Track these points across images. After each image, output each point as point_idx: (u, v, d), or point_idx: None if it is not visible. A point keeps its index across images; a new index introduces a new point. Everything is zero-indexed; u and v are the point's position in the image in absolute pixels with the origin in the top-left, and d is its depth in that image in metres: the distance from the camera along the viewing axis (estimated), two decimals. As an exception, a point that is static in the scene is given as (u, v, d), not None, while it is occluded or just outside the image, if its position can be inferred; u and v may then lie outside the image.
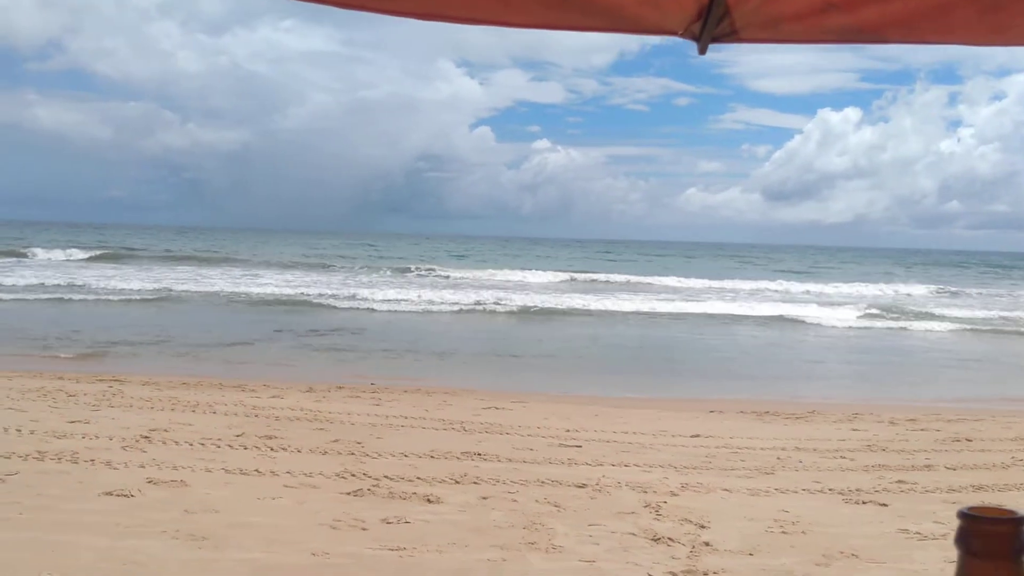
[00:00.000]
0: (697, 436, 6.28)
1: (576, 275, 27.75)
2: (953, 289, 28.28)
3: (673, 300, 19.38)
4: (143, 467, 4.70)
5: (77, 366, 8.61)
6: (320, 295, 17.03)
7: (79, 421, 5.71)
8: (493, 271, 26.75)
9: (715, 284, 26.36)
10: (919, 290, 27.27)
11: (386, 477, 4.79)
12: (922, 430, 6.75)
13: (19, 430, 5.39)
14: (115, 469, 4.66)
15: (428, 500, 4.42)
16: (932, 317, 17.38)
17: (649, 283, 25.70)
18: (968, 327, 16.90)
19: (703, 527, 4.16)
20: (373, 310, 15.67)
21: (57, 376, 7.60)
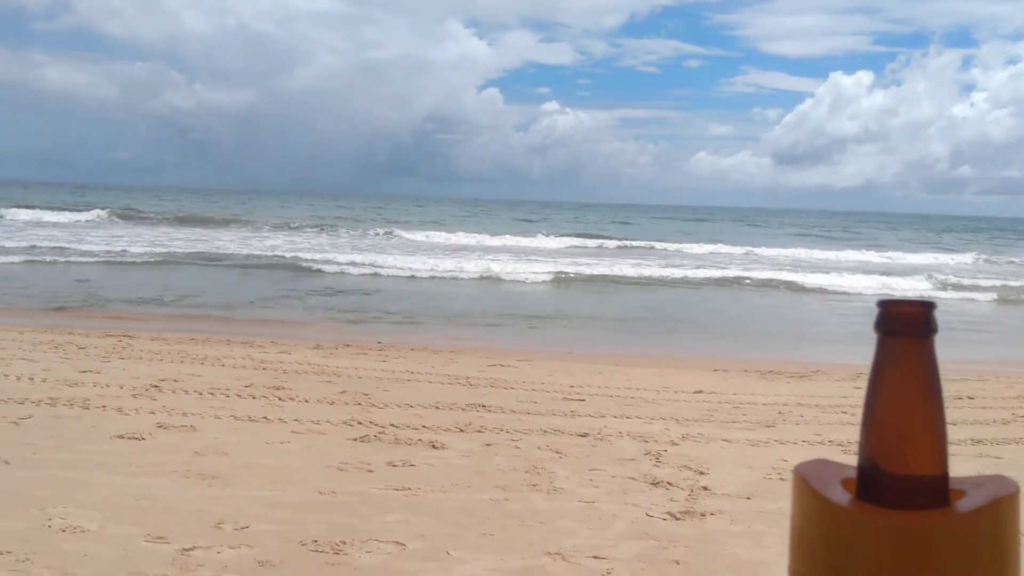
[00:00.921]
0: (700, 392, 6.35)
1: (588, 241, 27.65)
2: (989, 257, 27.87)
3: (726, 267, 19.24)
4: (153, 413, 4.79)
5: (85, 322, 8.70)
6: (326, 259, 17.10)
7: (90, 371, 5.80)
8: (503, 236, 26.67)
9: (760, 251, 25.75)
10: (966, 258, 26.74)
11: (392, 425, 4.87)
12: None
13: (31, 378, 5.48)
14: (126, 415, 4.74)
15: (433, 446, 4.51)
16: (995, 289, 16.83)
17: (690, 250, 25.36)
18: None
19: (702, 473, 4.24)
20: (379, 275, 15.73)
21: (67, 331, 7.69)
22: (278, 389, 5.61)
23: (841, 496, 0.55)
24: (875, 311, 0.57)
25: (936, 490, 0.55)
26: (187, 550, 3.04)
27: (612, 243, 27.36)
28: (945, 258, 26.85)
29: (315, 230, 26.95)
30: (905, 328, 0.55)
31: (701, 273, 18.03)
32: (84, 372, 5.76)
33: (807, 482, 0.56)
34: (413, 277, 15.77)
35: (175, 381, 5.64)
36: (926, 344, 0.56)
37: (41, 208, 28.38)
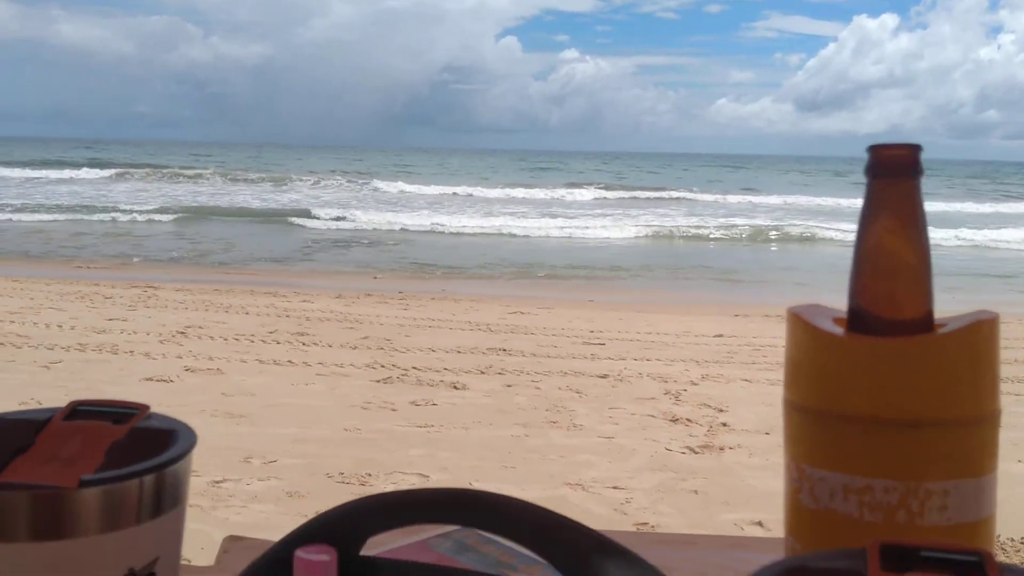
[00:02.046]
0: (720, 336, 6.38)
1: (620, 193, 27.31)
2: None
3: (758, 217, 19.05)
4: (180, 358, 4.88)
5: (110, 274, 8.80)
6: (346, 215, 17.15)
7: (117, 319, 5.90)
8: (524, 189, 26.52)
9: (795, 200, 25.01)
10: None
11: (414, 368, 4.95)
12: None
13: (60, 326, 5.59)
14: (153, 359, 4.84)
15: (455, 387, 4.57)
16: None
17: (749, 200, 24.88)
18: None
19: (721, 411, 4.29)
20: (406, 229, 15.76)
21: (92, 283, 7.79)
22: (302, 335, 5.69)
23: (833, 328, 0.58)
24: (865, 157, 0.59)
25: (922, 323, 0.58)
26: (217, 482, 3.12)
27: (644, 194, 26.94)
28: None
29: (332, 183, 26.87)
30: (894, 170, 0.58)
31: (740, 221, 17.91)
32: (111, 320, 5.86)
33: (801, 316, 0.59)
34: (437, 232, 15.79)
35: (200, 328, 5.73)
36: (914, 184, 0.58)
37: (55, 166, 28.45)
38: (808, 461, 0.58)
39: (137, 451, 0.44)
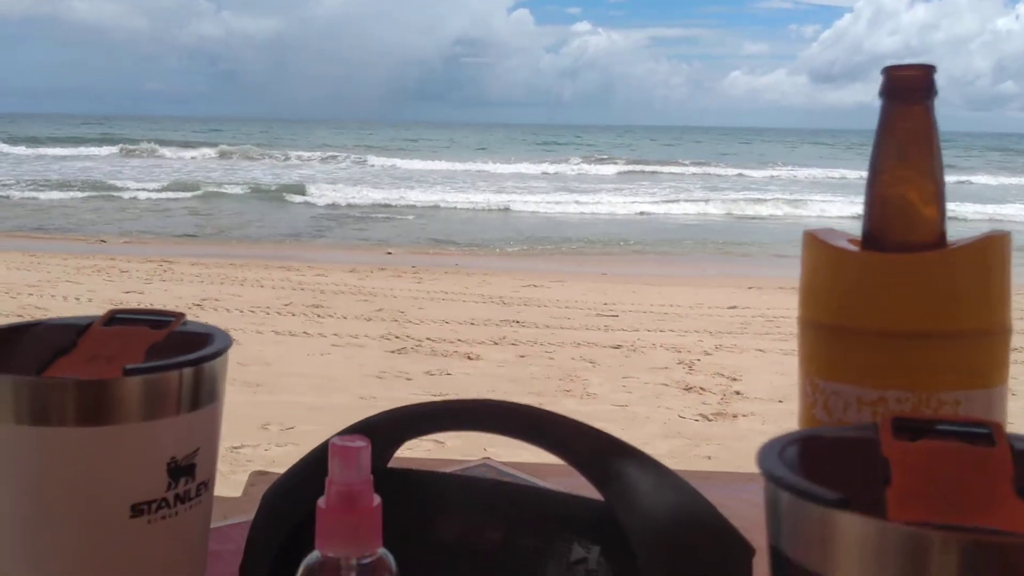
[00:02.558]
0: (734, 307, 6.39)
1: (642, 166, 27.04)
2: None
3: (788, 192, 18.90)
4: (197, 329, 4.92)
5: (124, 249, 8.85)
6: (360, 196, 17.16)
7: (133, 292, 5.95)
8: (532, 164, 26.43)
9: (825, 173, 24.57)
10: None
11: (428, 339, 4.97)
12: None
13: (78, 299, 5.64)
14: (170, 331, 4.88)
15: (468, 357, 4.60)
16: None
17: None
18: None
19: (735, 380, 4.30)
20: (414, 205, 15.77)
21: (108, 257, 7.85)
22: (317, 307, 5.72)
23: (847, 246, 0.59)
24: (880, 78, 0.60)
25: (935, 242, 0.59)
26: (236, 448, 3.16)
27: (666, 168, 26.60)
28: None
29: (342, 159, 26.81)
30: (907, 91, 0.59)
31: (755, 194, 17.81)
32: (128, 292, 5.91)
33: (816, 236, 0.60)
34: (459, 209, 15.78)
35: (216, 300, 5.77)
36: (928, 106, 0.59)
37: (67, 143, 28.46)
38: (822, 376, 0.60)
39: (175, 352, 0.46)
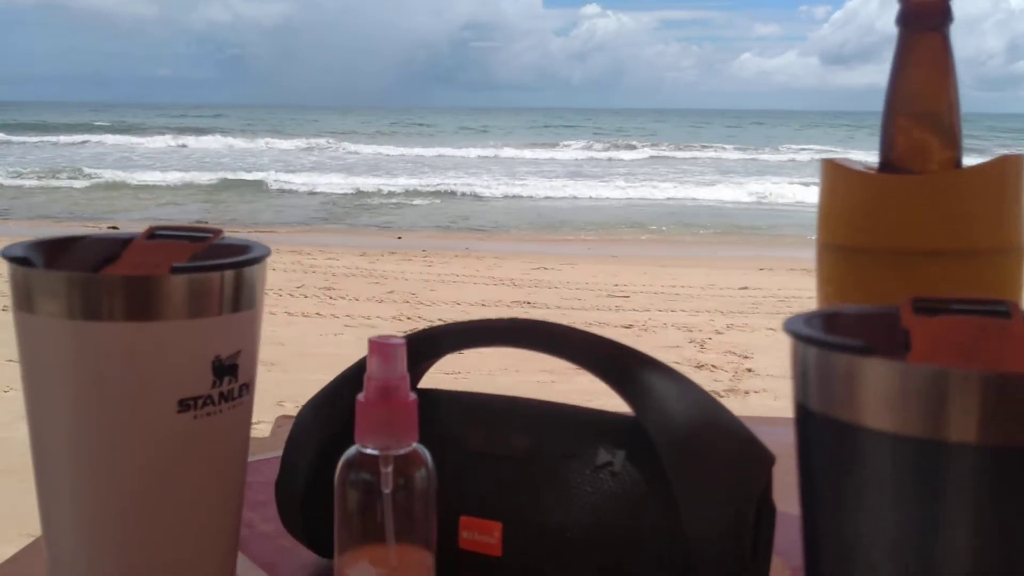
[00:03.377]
0: (745, 288, 6.39)
1: (659, 152, 26.95)
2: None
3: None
4: (210, 311, 4.96)
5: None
6: (371, 183, 17.18)
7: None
8: (541, 149, 26.39)
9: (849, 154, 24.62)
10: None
11: (440, 320, 4.99)
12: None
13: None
14: (184, 312, 4.92)
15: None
16: None
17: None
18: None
19: (746, 357, 4.31)
20: (418, 191, 15.78)
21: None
22: (329, 289, 5.75)
23: (865, 171, 0.61)
24: (896, 7, 0.62)
25: (950, 165, 0.60)
26: (252, 423, 3.19)
27: (680, 154, 26.45)
28: None
29: (349, 144, 26.76)
30: (923, 18, 0.60)
31: (767, 177, 17.76)
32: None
33: (835, 161, 0.62)
34: (478, 196, 15.78)
35: (229, 283, 5.81)
36: (943, 33, 0.61)
37: (72, 131, 28.53)
38: (839, 297, 0.61)
39: (216, 259, 0.48)
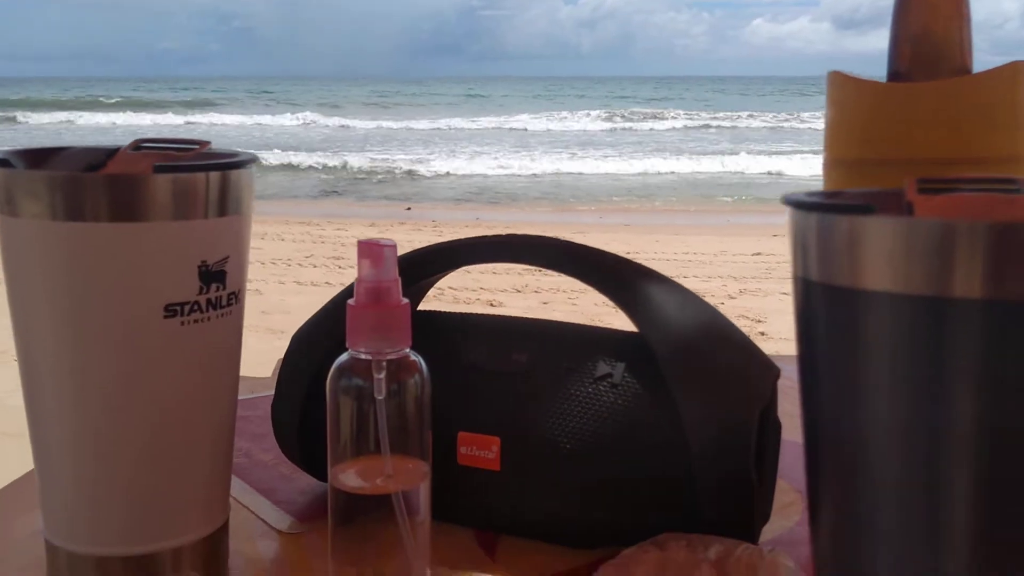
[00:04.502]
0: (758, 254, 6.36)
1: (668, 121, 26.77)
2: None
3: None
4: (221, 281, 4.96)
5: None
6: (380, 157, 17.14)
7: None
8: (551, 121, 26.24)
9: None
10: None
11: (450, 288, 4.99)
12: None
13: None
14: (195, 283, 4.93)
15: (491, 304, 4.62)
16: None
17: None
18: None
19: (759, 321, 4.29)
20: (427, 172, 15.74)
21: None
22: (338, 259, 5.75)
23: (873, 81, 0.59)
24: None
25: (960, 72, 0.58)
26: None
27: (691, 122, 26.21)
28: None
29: (361, 119, 26.69)
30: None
31: (785, 146, 17.62)
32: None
33: (842, 73, 0.60)
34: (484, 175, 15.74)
35: (239, 254, 5.81)
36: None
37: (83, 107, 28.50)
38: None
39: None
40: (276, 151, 16.87)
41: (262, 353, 3.63)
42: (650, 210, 9.99)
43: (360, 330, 0.43)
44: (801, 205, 0.32)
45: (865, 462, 0.30)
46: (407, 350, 0.44)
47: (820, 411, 0.33)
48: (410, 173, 13.75)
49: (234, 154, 0.48)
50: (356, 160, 15.60)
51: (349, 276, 5.30)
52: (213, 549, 0.48)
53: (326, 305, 0.62)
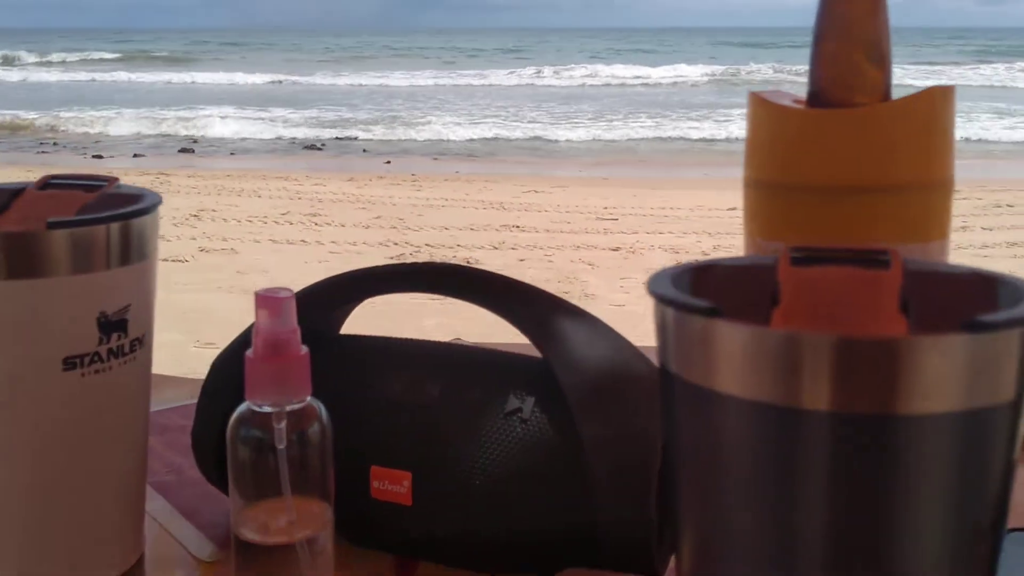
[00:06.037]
0: (734, 208, 6.36)
1: (656, 77, 26.51)
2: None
3: None
4: (194, 239, 4.93)
5: (119, 163, 8.82)
6: (359, 112, 16.96)
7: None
8: (531, 76, 25.94)
9: None
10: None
11: (427, 245, 4.99)
12: (964, 199, 6.75)
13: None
14: (168, 241, 4.89)
15: (468, 262, 4.61)
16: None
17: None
18: None
19: (732, 279, 4.32)
20: (403, 118, 15.60)
21: (105, 170, 7.81)
22: (315, 216, 5.72)
23: (792, 105, 0.59)
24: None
25: (878, 99, 0.59)
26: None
27: (679, 76, 25.93)
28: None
29: (333, 73, 26.29)
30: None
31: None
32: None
33: (761, 95, 0.60)
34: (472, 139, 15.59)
35: (214, 211, 5.77)
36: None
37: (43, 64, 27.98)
38: (764, 235, 0.60)
39: (105, 211, 0.46)
40: (253, 108, 16.68)
41: (236, 313, 3.63)
42: (631, 162, 9.96)
43: (259, 383, 0.44)
44: (657, 296, 0.32)
45: (721, 553, 0.31)
46: (308, 399, 0.45)
47: (681, 496, 0.33)
48: (390, 128, 13.62)
49: (140, 196, 0.48)
50: (331, 115, 15.44)
51: (326, 234, 5.30)
52: (128, 585, 0.49)
53: (246, 330, 0.62)
